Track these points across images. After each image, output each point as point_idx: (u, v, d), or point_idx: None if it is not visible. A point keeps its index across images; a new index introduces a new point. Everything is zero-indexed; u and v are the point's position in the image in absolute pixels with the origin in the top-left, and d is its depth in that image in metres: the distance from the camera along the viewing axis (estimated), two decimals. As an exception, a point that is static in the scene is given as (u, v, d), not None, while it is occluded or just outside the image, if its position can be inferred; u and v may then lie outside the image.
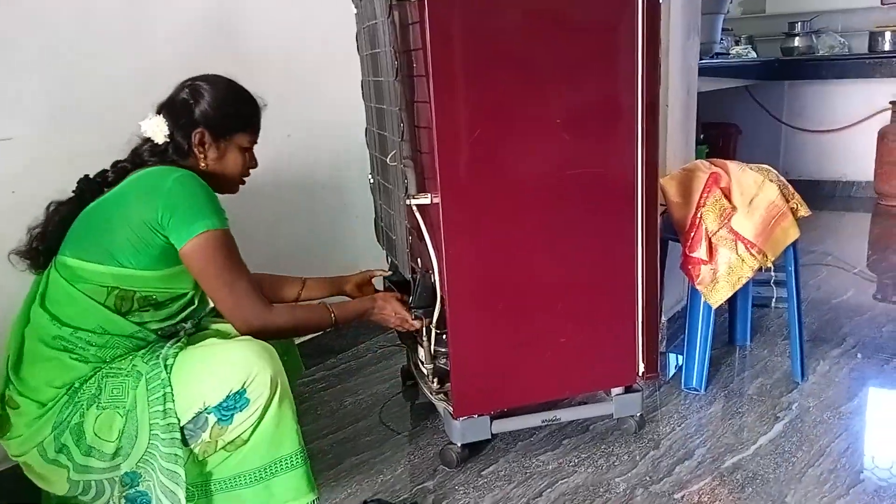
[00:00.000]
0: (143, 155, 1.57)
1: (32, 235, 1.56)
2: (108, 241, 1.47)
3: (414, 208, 1.71)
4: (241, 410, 1.45)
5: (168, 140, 1.56)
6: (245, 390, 1.45)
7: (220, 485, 1.52)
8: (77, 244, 1.50)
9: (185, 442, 1.46)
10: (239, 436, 1.46)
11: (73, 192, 1.57)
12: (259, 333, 1.53)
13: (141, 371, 1.47)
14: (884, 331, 2.61)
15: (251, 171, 1.69)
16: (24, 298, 1.56)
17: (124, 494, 1.51)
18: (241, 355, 1.47)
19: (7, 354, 1.54)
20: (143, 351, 1.52)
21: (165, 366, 1.46)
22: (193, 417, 1.44)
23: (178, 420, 1.44)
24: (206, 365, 1.47)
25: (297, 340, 2.39)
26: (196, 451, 1.47)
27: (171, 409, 1.43)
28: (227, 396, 1.44)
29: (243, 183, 1.69)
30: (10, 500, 1.70)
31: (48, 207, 1.57)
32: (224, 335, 1.63)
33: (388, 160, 1.76)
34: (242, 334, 1.54)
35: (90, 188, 1.57)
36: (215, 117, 1.57)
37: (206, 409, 1.44)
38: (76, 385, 1.48)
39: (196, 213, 1.47)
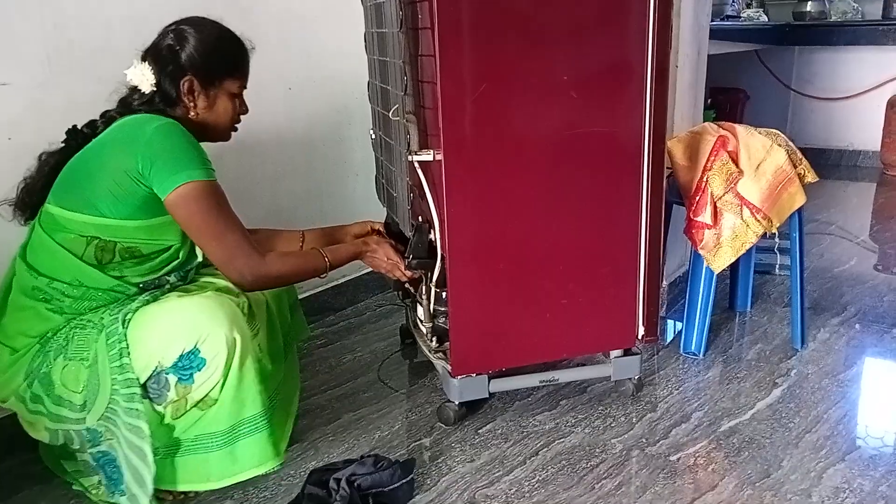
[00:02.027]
0: (132, 104, 1.54)
1: (22, 186, 1.54)
2: (89, 189, 1.45)
3: (416, 165, 1.68)
4: (199, 370, 1.43)
5: (155, 89, 1.52)
6: (198, 349, 1.43)
7: (189, 446, 1.51)
8: (60, 193, 1.48)
9: (152, 402, 1.45)
10: (208, 394, 1.46)
11: (62, 142, 1.55)
12: (255, 284, 1.52)
13: (104, 324, 1.46)
14: (884, 300, 2.60)
15: (242, 117, 1.65)
16: (18, 250, 1.55)
17: (91, 455, 1.51)
18: (193, 313, 1.44)
19: None
20: (115, 304, 1.50)
21: (123, 321, 1.44)
22: (153, 376, 1.43)
23: (137, 377, 1.42)
24: (159, 323, 1.44)
25: (299, 296, 2.40)
26: (167, 411, 1.46)
27: (127, 364, 1.42)
28: (181, 356, 1.42)
29: (235, 130, 1.66)
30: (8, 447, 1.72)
31: (39, 157, 1.55)
32: (217, 287, 1.61)
33: (390, 115, 1.72)
34: (238, 286, 1.52)
35: (78, 138, 1.54)
36: (203, 63, 1.52)
37: (162, 368, 1.43)
38: (48, 335, 1.49)
39: (179, 163, 1.43)
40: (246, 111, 1.65)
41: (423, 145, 1.69)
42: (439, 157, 1.62)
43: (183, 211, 1.45)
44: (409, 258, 1.73)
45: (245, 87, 1.62)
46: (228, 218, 1.50)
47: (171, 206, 1.44)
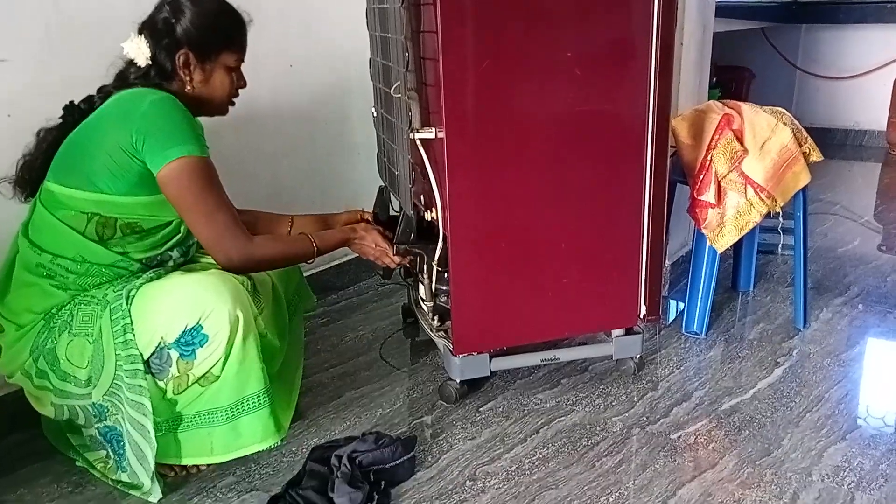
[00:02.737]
0: (129, 78, 1.52)
1: (21, 164, 1.54)
2: (87, 165, 1.44)
3: (418, 143, 1.67)
4: (202, 346, 1.43)
5: (151, 62, 1.51)
6: (201, 326, 1.42)
7: (192, 421, 1.51)
8: (59, 170, 1.48)
9: (154, 377, 1.45)
10: (209, 370, 1.46)
11: (60, 118, 1.54)
12: (241, 266, 1.51)
13: (108, 300, 1.46)
14: (887, 280, 2.59)
15: (241, 91, 1.63)
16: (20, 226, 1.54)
17: (98, 429, 1.52)
18: (197, 290, 1.44)
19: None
20: (120, 280, 1.50)
21: (127, 297, 1.44)
22: (156, 352, 1.43)
23: (141, 353, 1.42)
24: (163, 299, 1.44)
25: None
26: (168, 386, 1.46)
27: (131, 340, 1.42)
28: (183, 332, 1.42)
29: (233, 104, 1.64)
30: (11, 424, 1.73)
31: (37, 134, 1.54)
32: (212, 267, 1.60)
33: (391, 92, 1.71)
34: (224, 268, 1.50)
35: (76, 114, 1.53)
36: (199, 36, 1.50)
37: (165, 344, 1.43)
38: (53, 311, 1.49)
39: (172, 138, 1.42)
40: (244, 85, 1.63)
41: (425, 123, 1.68)
42: (441, 134, 1.61)
43: (174, 186, 1.43)
44: (396, 245, 1.74)
45: (243, 61, 1.60)
46: (219, 197, 1.48)
47: (163, 181, 1.43)
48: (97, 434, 1.53)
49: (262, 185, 2.33)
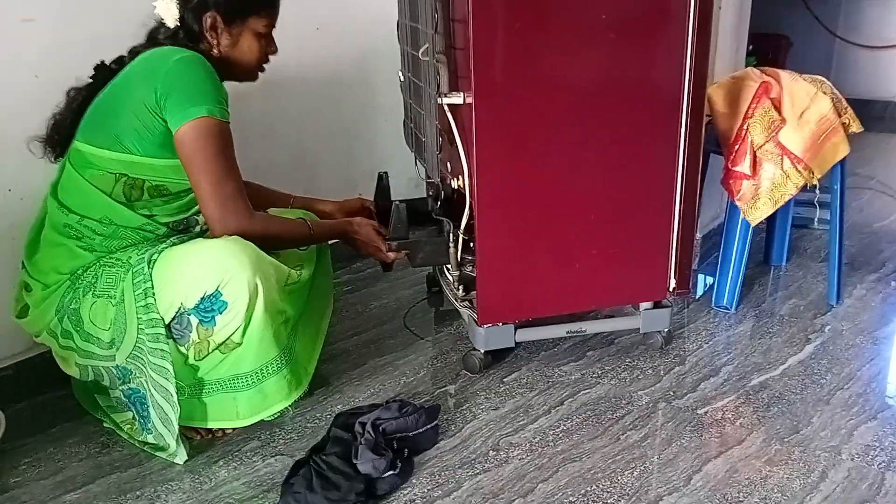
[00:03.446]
0: (158, 38, 1.52)
1: (51, 123, 1.53)
2: (115, 125, 1.43)
3: (445, 108, 1.63)
4: (221, 313, 1.43)
5: (179, 24, 1.49)
6: (220, 293, 1.42)
7: (216, 386, 1.52)
8: (88, 129, 1.47)
9: (176, 342, 1.46)
10: (229, 337, 1.46)
11: (90, 77, 1.53)
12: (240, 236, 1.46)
13: (132, 263, 1.46)
14: (925, 257, 2.52)
15: (271, 57, 1.59)
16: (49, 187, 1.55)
17: (123, 392, 1.54)
18: (217, 256, 1.42)
19: (29, 237, 1.56)
20: (146, 244, 1.50)
21: (150, 261, 1.44)
22: (176, 317, 1.43)
23: (162, 318, 1.43)
24: (183, 264, 1.44)
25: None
26: (189, 352, 1.47)
27: (151, 304, 1.42)
28: (203, 298, 1.42)
29: (262, 70, 1.61)
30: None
31: (67, 93, 1.53)
32: None
33: (419, 55, 1.67)
34: (216, 236, 1.46)
35: (106, 73, 1.52)
36: None
37: (185, 310, 1.43)
38: (79, 272, 1.50)
39: (194, 97, 1.39)
40: (274, 52, 1.60)
41: (454, 87, 1.64)
42: (470, 99, 1.57)
43: (188, 146, 1.41)
44: (388, 241, 1.69)
45: (273, 27, 1.57)
46: (231, 165, 1.45)
47: (179, 139, 1.41)
48: (122, 396, 1.55)
49: (286, 147, 2.31)
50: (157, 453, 1.53)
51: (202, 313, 1.43)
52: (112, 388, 1.56)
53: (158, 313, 1.42)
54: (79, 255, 1.49)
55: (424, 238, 1.76)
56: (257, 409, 1.54)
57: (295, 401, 1.59)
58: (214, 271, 1.41)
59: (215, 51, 1.51)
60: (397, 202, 1.76)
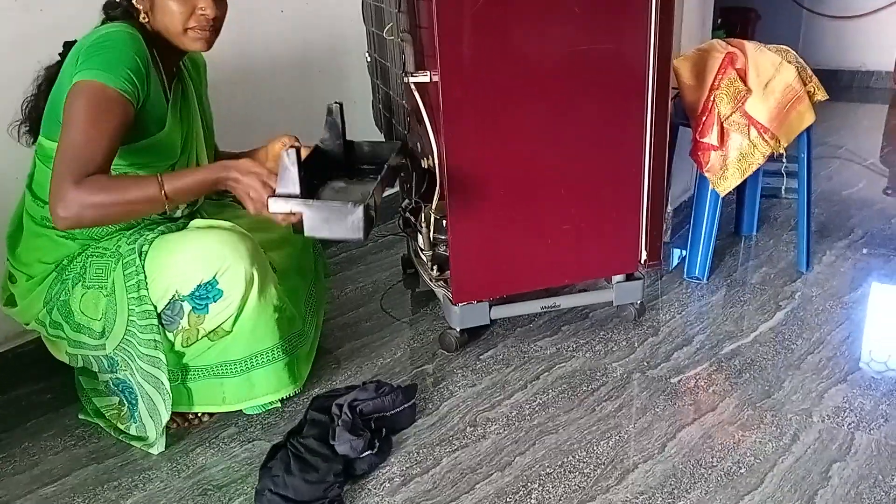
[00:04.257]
0: (108, 11, 1.44)
1: (26, 106, 1.50)
2: (61, 115, 1.34)
3: (412, 87, 1.62)
4: (215, 301, 1.43)
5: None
6: (217, 281, 1.42)
7: (202, 372, 1.53)
8: (46, 122, 1.43)
9: (164, 328, 1.45)
10: (220, 325, 1.46)
11: (60, 54, 1.45)
12: (61, 215, 1.24)
13: (122, 253, 1.45)
14: (892, 223, 2.56)
15: (207, 19, 1.38)
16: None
17: (111, 380, 1.53)
18: (214, 245, 1.43)
19: (9, 230, 1.54)
20: (131, 231, 1.49)
21: (140, 252, 1.43)
22: (168, 304, 1.43)
23: (155, 307, 1.42)
24: (178, 253, 1.43)
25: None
26: (177, 339, 1.46)
27: (145, 296, 1.42)
28: (199, 286, 1.42)
29: (199, 35, 1.40)
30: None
31: (37, 75, 1.48)
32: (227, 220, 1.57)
33: (384, 34, 1.66)
34: (52, 205, 1.25)
35: (66, 51, 1.43)
36: None
37: (179, 297, 1.43)
38: (64, 263, 1.49)
39: (90, 63, 1.30)
40: (208, 14, 1.38)
41: (420, 66, 1.63)
42: (436, 78, 1.56)
43: (66, 108, 1.29)
44: (276, 196, 1.29)
45: None
46: (101, 135, 1.26)
47: (65, 102, 1.30)
48: (110, 383, 1.55)
49: (257, 134, 2.28)
50: (133, 443, 1.53)
51: (196, 301, 1.43)
52: (101, 373, 1.56)
53: (151, 304, 1.42)
54: (61, 244, 1.47)
55: (318, 203, 1.29)
56: (244, 397, 1.55)
57: (284, 398, 1.60)
58: (211, 259, 1.41)
59: (143, 16, 1.40)
60: (286, 150, 1.28)
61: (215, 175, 1.32)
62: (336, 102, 1.50)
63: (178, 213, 1.57)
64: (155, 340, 1.43)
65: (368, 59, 2.03)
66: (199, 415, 1.61)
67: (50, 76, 1.45)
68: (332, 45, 2.46)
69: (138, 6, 1.40)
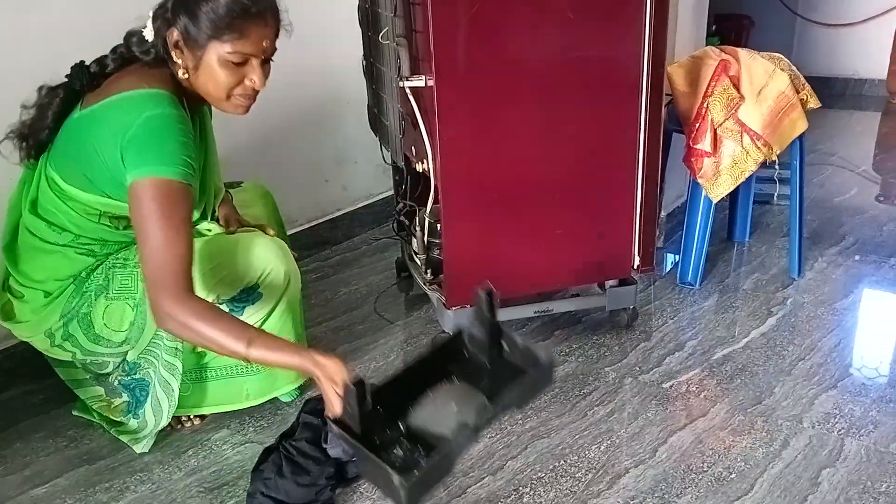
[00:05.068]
0: (133, 46, 1.36)
1: (28, 123, 1.40)
2: (87, 169, 1.33)
3: (407, 91, 1.63)
4: (252, 304, 1.49)
5: (154, 37, 1.33)
6: (259, 285, 1.48)
7: (221, 371, 1.56)
8: (62, 162, 1.37)
9: None
10: None
11: (66, 77, 1.38)
12: (163, 322, 1.26)
13: None
14: (884, 230, 2.58)
15: (255, 89, 1.36)
16: (18, 186, 1.47)
17: (120, 381, 1.53)
18: (259, 251, 1.49)
19: (4, 241, 1.49)
20: None
21: None
22: None
23: None
24: (224, 260, 1.45)
25: (293, 230, 2.39)
26: None
27: None
28: (242, 290, 1.47)
29: (241, 103, 1.38)
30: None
31: (39, 90, 1.39)
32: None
33: (380, 39, 1.66)
34: (152, 311, 1.27)
35: (84, 77, 1.37)
36: (189, 16, 1.27)
37: (219, 301, 1.45)
38: (83, 275, 1.46)
39: (147, 156, 1.25)
40: (257, 85, 1.35)
41: (415, 70, 1.64)
42: (431, 82, 1.57)
43: (133, 207, 1.26)
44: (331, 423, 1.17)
45: (251, 57, 1.32)
46: (177, 232, 1.25)
47: (129, 198, 1.27)
48: (115, 382, 1.55)
49: (248, 134, 2.29)
50: (121, 437, 1.54)
51: (234, 304, 1.46)
52: (111, 375, 1.55)
53: None
54: (77, 260, 1.44)
55: (366, 454, 1.08)
56: (266, 391, 1.61)
57: (301, 386, 1.65)
58: (257, 265, 1.47)
59: (181, 71, 1.33)
60: (482, 329, 1.27)
61: (302, 366, 1.23)
62: (485, 291, 1.31)
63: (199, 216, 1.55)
64: (177, 349, 1.46)
65: (363, 63, 2.03)
66: (192, 417, 1.61)
67: (57, 107, 1.37)
68: (325, 48, 2.46)
69: (178, 61, 1.32)
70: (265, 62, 1.36)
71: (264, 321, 1.51)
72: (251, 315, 1.49)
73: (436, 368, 1.27)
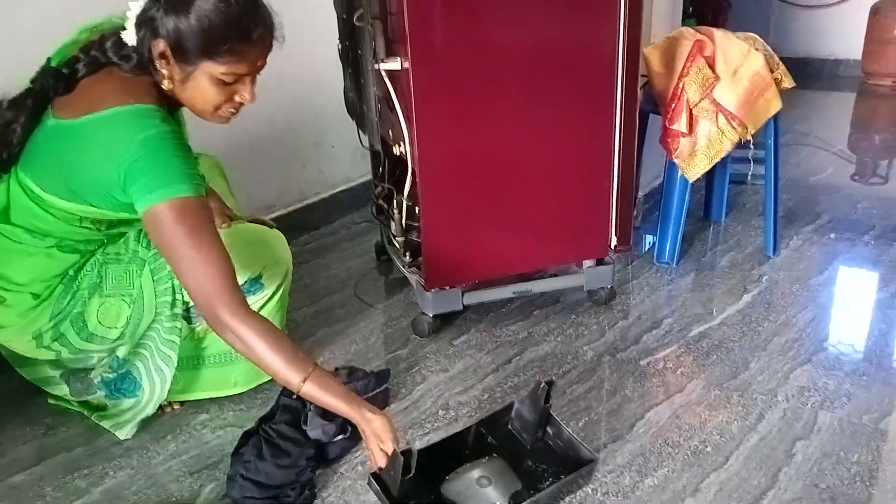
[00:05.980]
0: (108, 51, 1.27)
1: None
2: (72, 181, 1.28)
3: (383, 74, 1.63)
4: (253, 294, 1.50)
5: (135, 44, 1.25)
6: (261, 275, 1.50)
7: (215, 359, 1.57)
8: (39, 171, 1.31)
9: (188, 320, 1.48)
10: None
11: (31, 82, 1.29)
12: (223, 331, 1.24)
13: (144, 258, 1.45)
14: (858, 208, 2.61)
15: (242, 105, 1.33)
16: None
17: (103, 377, 1.52)
18: (261, 243, 1.52)
19: None
20: (141, 233, 1.46)
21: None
22: None
23: (186, 304, 1.46)
24: (236, 253, 1.37)
25: (271, 215, 2.37)
26: (199, 328, 1.50)
27: (178, 299, 1.45)
28: (245, 281, 1.48)
29: (226, 117, 1.35)
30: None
31: (0, 104, 1.30)
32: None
33: (355, 20, 1.65)
34: (211, 327, 1.26)
35: (51, 80, 1.28)
36: (182, 29, 1.20)
37: None
38: (70, 273, 1.42)
39: (157, 179, 1.21)
40: (247, 100, 1.32)
41: (391, 53, 1.63)
42: (407, 65, 1.56)
43: (156, 233, 1.23)
44: (373, 477, 1.29)
45: (244, 75, 1.29)
46: (211, 244, 1.23)
47: (146, 226, 1.24)
48: (98, 381, 1.53)
49: (228, 129, 2.27)
50: (102, 423, 1.53)
51: None
52: (87, 370, 1.54)
53: (183, 305, 1.45)
54: (63, 258, 1.40)
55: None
56: (253, 379, 1.62)
57: None
58: (260, 256, 1.50)
59: (166, 82, 1.27)
60: (535, 417, 1.35)
61: (351, 417, 1.28)
62: (545, 382, 1.37)
63: None
64: (173, 342, 1.47)
65: (339, 47, 2.02)
66: (172, 403, 1.61)
67: (25, 121, 1.29)
68: (302, 33, 2.43)
69: (163, 71, 1.25)
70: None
71: (260, 309, 1.53)
72: (251, 304, 1.44)
73: (478, 439, 1.39)
